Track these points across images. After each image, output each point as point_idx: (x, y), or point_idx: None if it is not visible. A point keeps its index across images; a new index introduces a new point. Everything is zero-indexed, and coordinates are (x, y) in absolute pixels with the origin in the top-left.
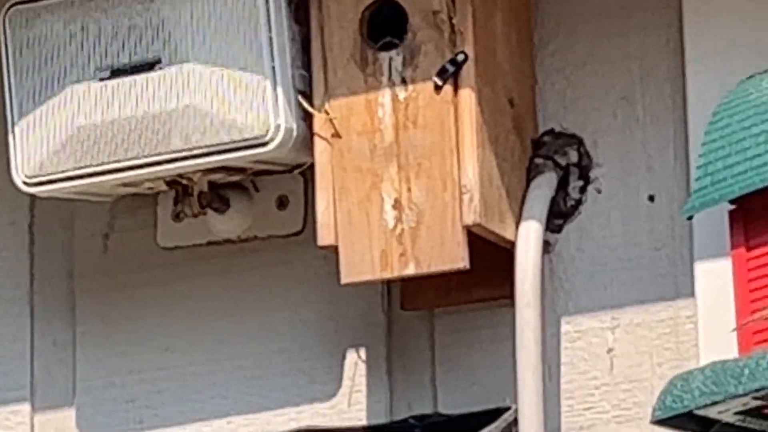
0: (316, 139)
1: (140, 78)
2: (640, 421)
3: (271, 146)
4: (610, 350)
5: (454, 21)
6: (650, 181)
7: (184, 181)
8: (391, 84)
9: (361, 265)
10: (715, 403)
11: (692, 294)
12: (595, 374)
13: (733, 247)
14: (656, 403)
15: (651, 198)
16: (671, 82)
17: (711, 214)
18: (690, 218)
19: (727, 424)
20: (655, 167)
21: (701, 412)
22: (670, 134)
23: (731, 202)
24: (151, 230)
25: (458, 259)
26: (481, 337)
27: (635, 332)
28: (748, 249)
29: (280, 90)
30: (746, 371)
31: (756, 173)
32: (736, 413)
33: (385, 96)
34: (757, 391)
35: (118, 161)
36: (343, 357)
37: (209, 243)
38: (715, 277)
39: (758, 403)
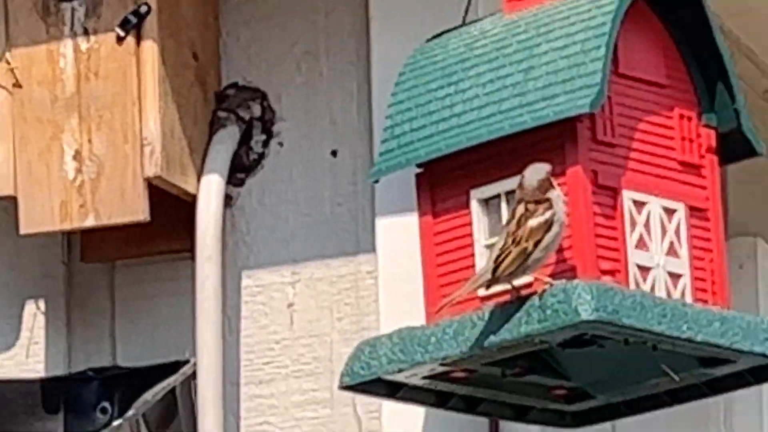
0: None
1: None
2: (320, 376)
3: None
4: (290, 305)
5: None
6: (333, 136)
7: None
8: (73, 34)
9: (41, 216)
10: (401, 370)
11: (373, 249)
12: (275, 328)
13: (421, 213)
14: (344, 369)
15: (334, 153)
16: (356, 37)
17: None
18: (377, 181)
19: (415, 387)
20: (339, 122)
21: (389, 377)
22: (353, 90)
23: (418, 166)
24: None
25: (139, 211)
26: (162, 290)
27: (316, 287)
28: (435, 215)
29: None
30: (433, 339)
31: (442, 138)
32: (424, 377)
33: (66, 46)
34: (443, 359)
35: None
36: (22, 308)
37: None
38: (396, 232)
39: (445, 368)
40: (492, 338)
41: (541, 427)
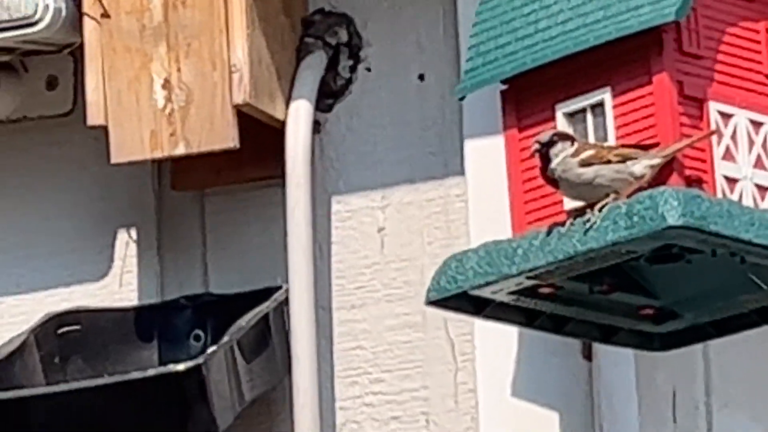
0: (85, 19)
1: None
2: (411, 300)
3: (39, 26)
4: (380, 229)
5: None
6: (420, 60)
7: None
8: None
9: (131, 145)
10: (489, 284)
11: (462, 172)
12: (366, 253)
13: (506, 128)
14: (430, 284)
15: (421, 77)
16: None
17: (479, 93)
18: (462, 99)
19: (501, 304)
20: (425, 46)
21: (475, 293)
22: (439, 13)
23: (503, 82)
24: None
25: (228, 138)
26: (252, 217)
27: (406, 211)
28: (520, 129)
29: None
30: (519, 251)
31: (527, 53)
32: (510, 293)
33: None
34: (530, 271)
35: None
36: (114, 237)
37: None
38: (485, 155)
39: (532, 282)
40: (579, 247)
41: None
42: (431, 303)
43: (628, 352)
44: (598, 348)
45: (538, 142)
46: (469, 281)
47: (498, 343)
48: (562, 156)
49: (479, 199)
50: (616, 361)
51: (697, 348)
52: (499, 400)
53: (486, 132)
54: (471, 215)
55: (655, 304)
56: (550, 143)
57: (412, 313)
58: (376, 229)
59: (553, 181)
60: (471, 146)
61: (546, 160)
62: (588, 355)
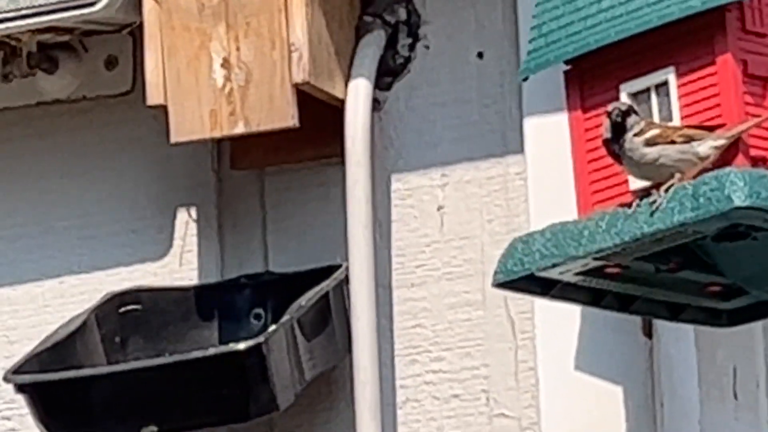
0: None
1: None
2: (471, 278)
3: (98, 6)
4: (440, 207)
5: None
6: (479, 37)
7: (13, 42)
8: None
9: (191, 124)
10: (555, 265)
11: (522, 150)
12: (426, 231)
13: (570, 109)
14: (498, 266)
15: (480, 55)
16: None
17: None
18: (525, 79)
19: (568, 284)
20: (484, 24)
21: (542, 274)
22: None
23: (566, 62)
24: None
25: (287, 117)
26: (312, 196)
27: (465, 189)
28: (585, 111)
29: None
30: (585, 233)
31: (590, 33)
32: (577, 273)
33: None
34: (596, 252)
35: None
36: (174, 217)
37: (38, 103)
38: (544, 132)
39: (598, 263)
40: (645, 229)
41: (693, 327)
42: (499, 285)
43: (689, 330)
44: (659, 325)
45: (617, 108)
46: (535, 263)
47: (558, 321)
48: (635, 129)
49: (539, 177)
50: (677, 339)
51: (758, 325)
52: (559, 378)
53: (545, 109)
54: (530, 193)
55: (721, 281)
56: (628, 113)
57: (472, 291)
58: (435, 207)
59: (616, 155)
60: (530, 124)
61: (621, 128)
62: (648, 333)
